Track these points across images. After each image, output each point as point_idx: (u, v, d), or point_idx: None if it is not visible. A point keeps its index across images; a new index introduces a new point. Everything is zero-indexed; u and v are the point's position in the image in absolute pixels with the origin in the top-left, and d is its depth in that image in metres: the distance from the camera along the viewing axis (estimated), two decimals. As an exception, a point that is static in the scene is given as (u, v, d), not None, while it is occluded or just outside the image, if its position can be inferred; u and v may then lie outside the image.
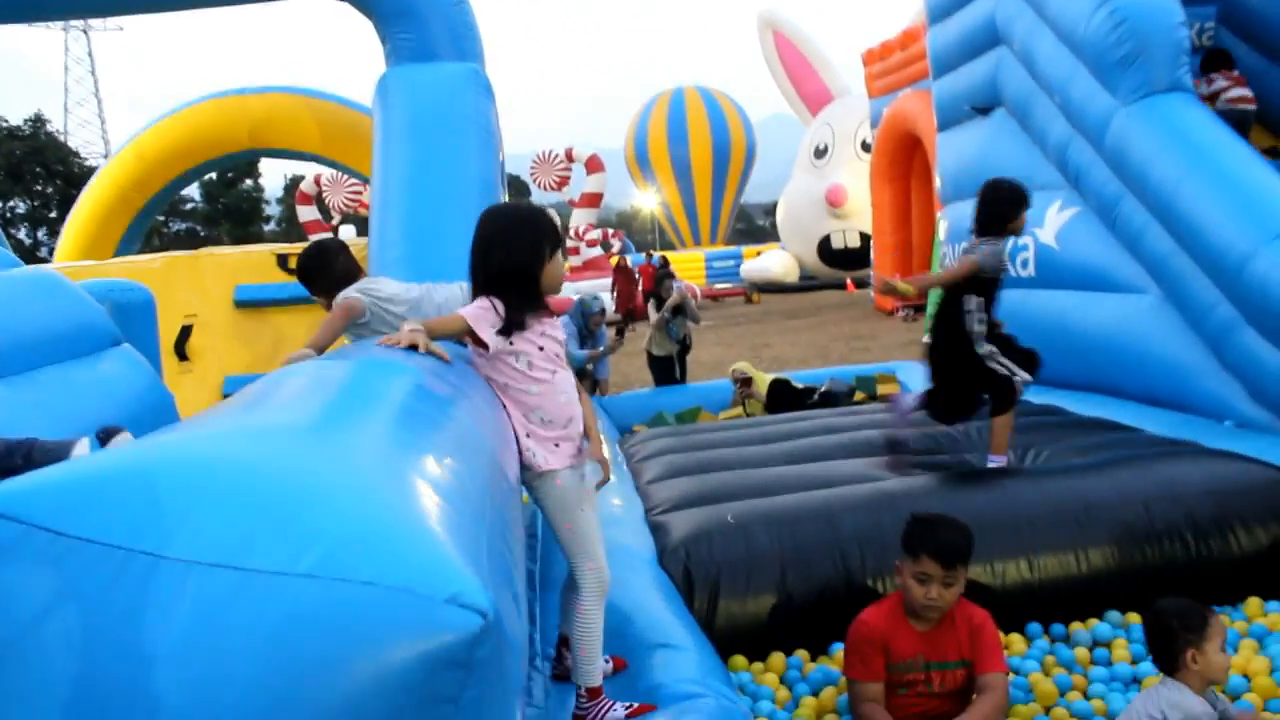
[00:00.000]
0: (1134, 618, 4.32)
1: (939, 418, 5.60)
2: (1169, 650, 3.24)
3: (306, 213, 26.39)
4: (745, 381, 9.31)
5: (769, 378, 9.15)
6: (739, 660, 4.12)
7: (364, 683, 1.37)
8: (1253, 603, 4.44)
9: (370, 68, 7.50)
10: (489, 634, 1.44)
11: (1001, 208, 5.33)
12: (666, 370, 11.10)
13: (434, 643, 1.40)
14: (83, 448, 2.85)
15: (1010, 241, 5.45)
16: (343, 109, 11.73)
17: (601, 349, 10.11)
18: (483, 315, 3.04)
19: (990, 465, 5.26)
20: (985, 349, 5.23)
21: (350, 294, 3.87)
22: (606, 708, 3.16)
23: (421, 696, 1.41)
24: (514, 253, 3.10)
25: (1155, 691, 3.23)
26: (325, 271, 4.08)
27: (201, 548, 1.41)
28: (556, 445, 3.14)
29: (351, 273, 4.07)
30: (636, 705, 3.19)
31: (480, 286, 3.11)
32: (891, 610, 3.64)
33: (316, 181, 25.34)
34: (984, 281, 5.26)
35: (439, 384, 2.64)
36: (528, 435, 3.12)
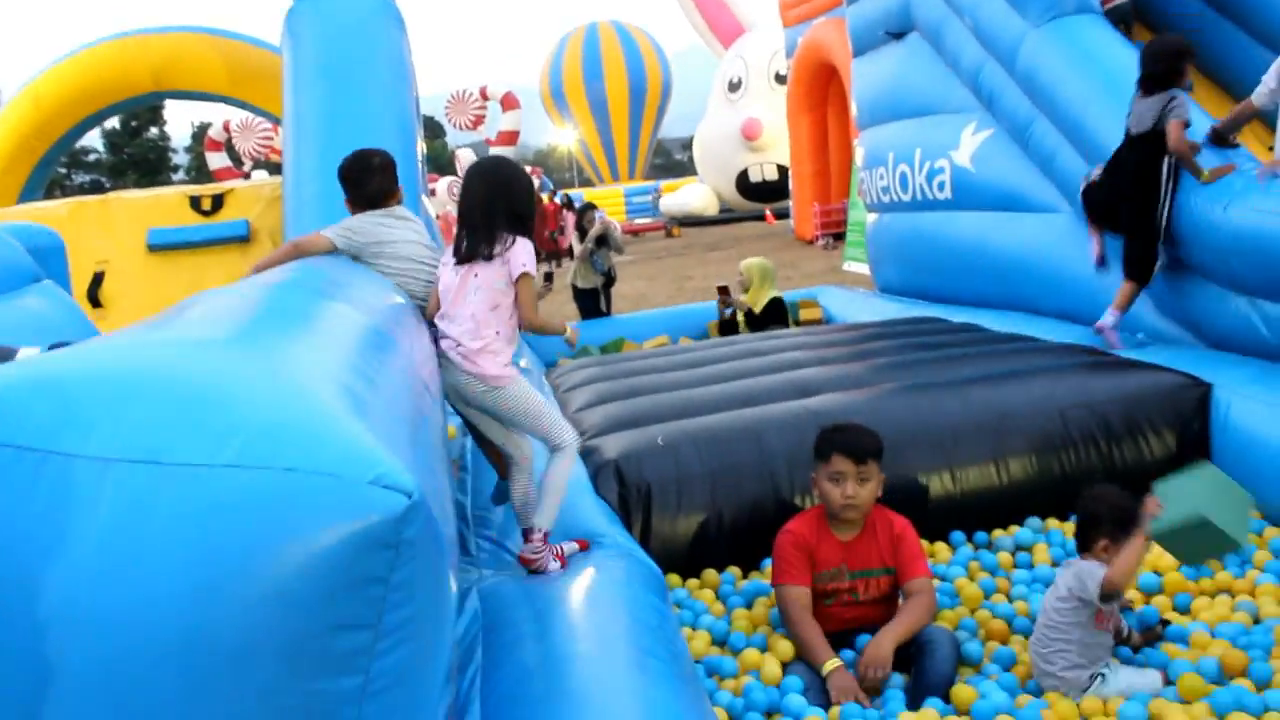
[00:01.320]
0: (1054, 523, 4.49)
1: (1140, 277, 5.62)
2: (1086, 530, 3.36)
3: (216, 160, 25.78)
4: (723, 290, 9.17)
5: (770, 294, 8.78)
6: (674, 578, 4.18)
7: (292, 567, 1.38)
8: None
9: (277, 4, 7.33)
10: (415, 514, 1.46)
11: (1172, 59, 5.39)
12: (591, 303, 11.08)
13: (360, 524, 1.42)
14: (29, 352, 2.83)
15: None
16: (250, 48, 11.46)
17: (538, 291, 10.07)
18: (533, 256, 3.50)
19: (1108, 322, 5.63)
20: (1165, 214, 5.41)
21: (324, 231, 3.90)
22: (556, 550, 3.58)
23: (351, 578, 1.43)
24: (528, 198, 3.60)
25: (1075, 566, 3.33)
26: (357, 186, 4.06)
27: (119, 446, 1.41)
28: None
29: (385, 193, 4.01)
30: (579, 540, 3.71)
31: (502, 224, 3.48)
32: (815, 520, 3.75)
33: (225, 127, 24.71)
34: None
35: (355, 300, 2.70)
36: (508, 343, 3.50)
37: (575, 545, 3.69)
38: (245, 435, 1.43)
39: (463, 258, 3.49)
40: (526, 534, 3.59)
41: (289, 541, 1.39)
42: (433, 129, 47.24)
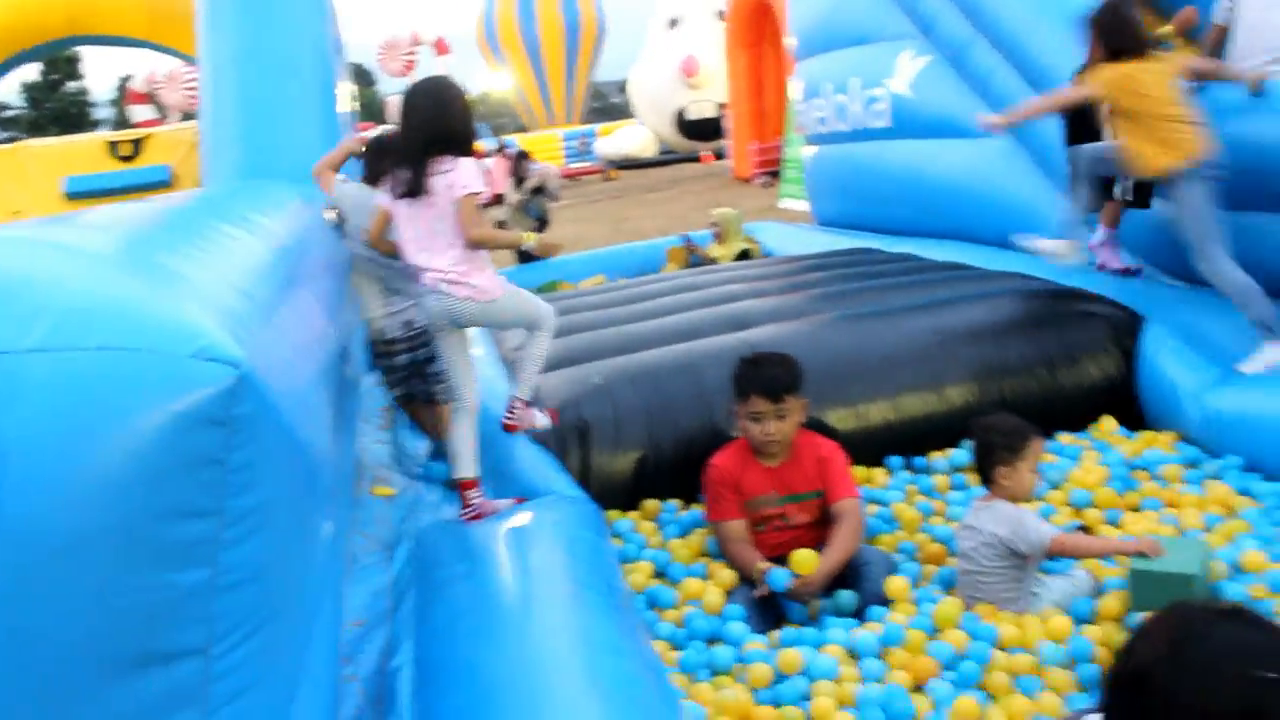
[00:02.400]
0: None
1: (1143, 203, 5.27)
2: (984, 463, 3.35)
3: (141, 112, 25.10)
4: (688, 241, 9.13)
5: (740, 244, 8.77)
6: (614, 514, 4.11)
7: (114, 451, 1.29)
8: (1106, 420, 4.64)
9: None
10: (246, 388, 1.37)
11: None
12: (523, 252, 10.90)
13: (185, 400, 1.32)
14: None
15: None
16: (165, -13, 11.05)
17: None
18: (476, 175, 3.56)
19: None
20: None
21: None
22: (533, 418, 3.94)
23: (181, 459, 1.33)
24: (467, 117, 3.68)
25: (982, 513, 3.31)
26: (368, 166, 4.26)
27: None
28: None
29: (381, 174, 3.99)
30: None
31: (458, 147, 3.56)
32: (739, 451, 3.75)
33: (149, 79, 24.06)
34: None
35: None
36: (489, 254, 3.70)
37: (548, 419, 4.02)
38: (51, 317, 1.32)
39: (408, 193, 3.56)
40: (464, 486, 3.72)
41: (109, 424, 1.29)
42: (365, 77, 46.45)
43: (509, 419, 3.89)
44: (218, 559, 1.38)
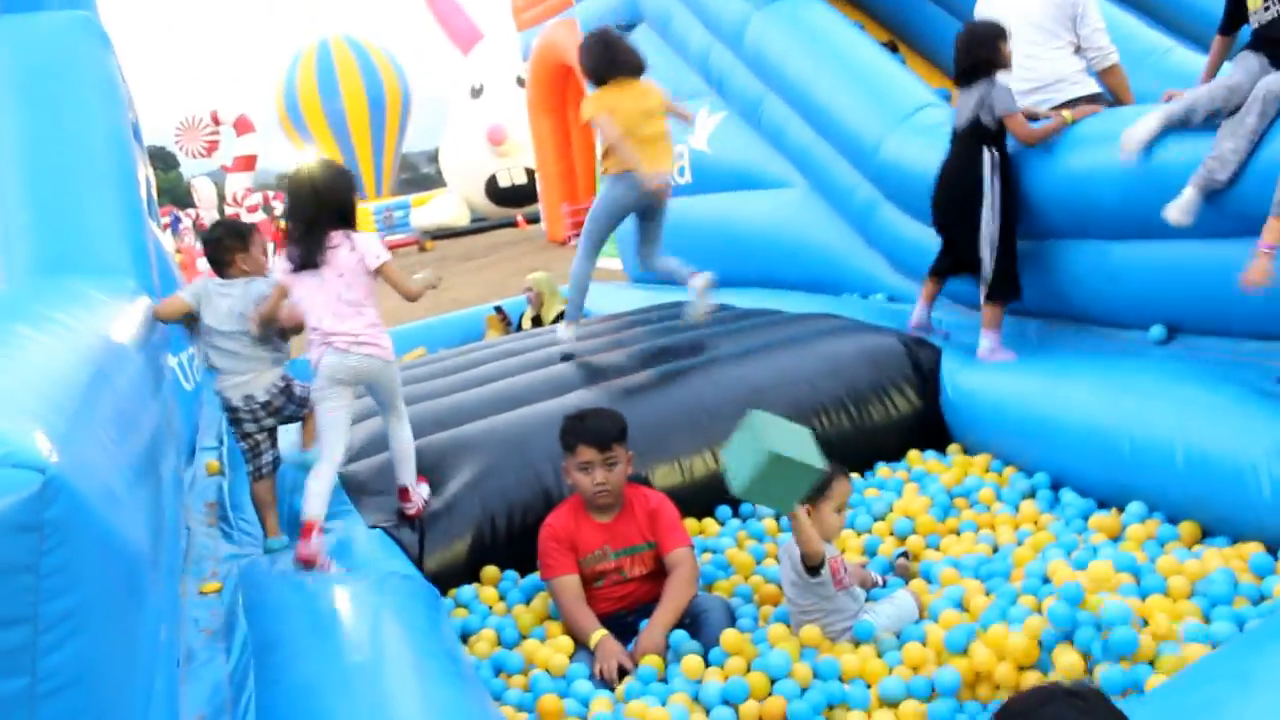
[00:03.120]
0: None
1: (999, 294, 4.90)
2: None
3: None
4: (499, 310, 9.13)
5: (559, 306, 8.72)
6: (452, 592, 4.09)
7: None
8: (912, 454, 4.87)
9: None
10: (54, 492, 1.36)
11: (984, 48, 4.90)
12: None
13: None
14: None
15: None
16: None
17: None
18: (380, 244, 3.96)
19: (986, 347, 4.89)
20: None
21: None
22: (422, 495, 4.20)
23: None
24: (351, 195, 4.04)
25: (786, 546, 3.46)
26: (215, 255, 4.24)
27: None
28: None
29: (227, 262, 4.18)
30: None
31: (347, 223, 3.92)
32: (571, 509, 3.81)
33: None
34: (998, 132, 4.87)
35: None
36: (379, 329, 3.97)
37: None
38: None
39: (303, 266, 3.84)
40: (307, 528, 3.74)
41: None
42: (164, 159, 45.14)
43: (408, 508, 4.14)
44: (36, 666, 1.34)
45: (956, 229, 4.96)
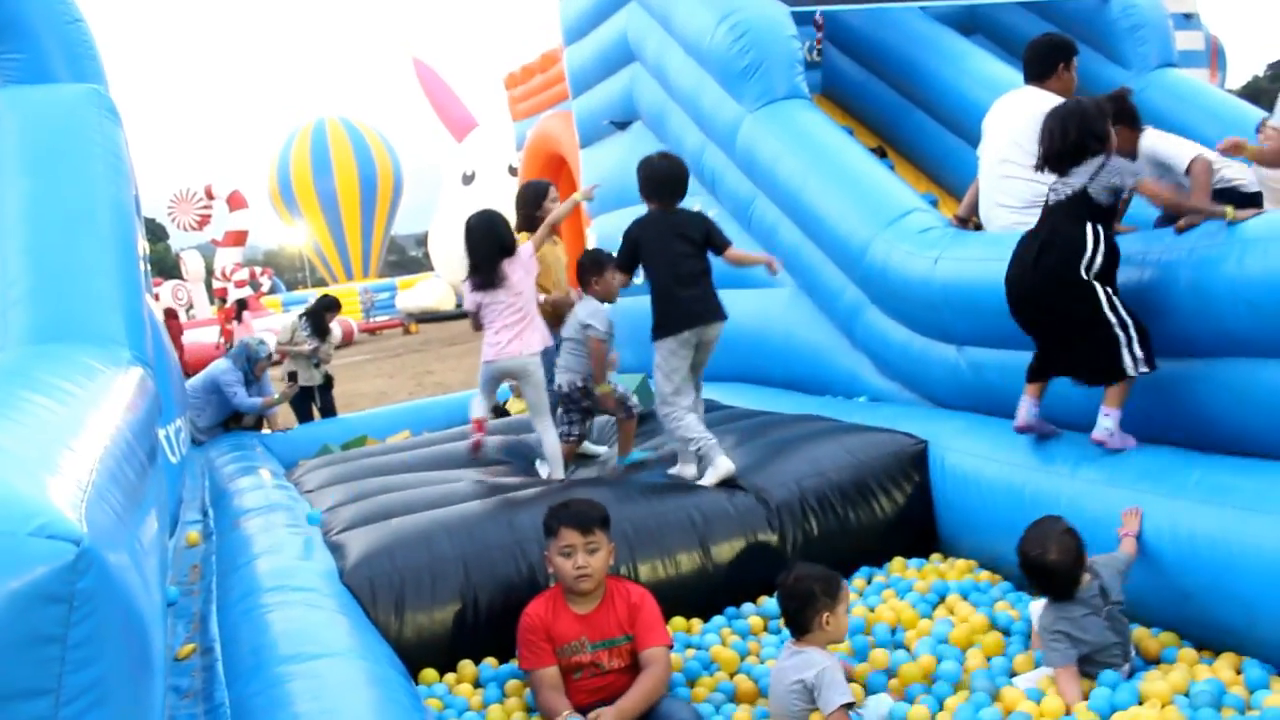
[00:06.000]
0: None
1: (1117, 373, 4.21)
2: (805, 612, 3.50)
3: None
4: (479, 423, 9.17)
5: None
6: (430, 674, 4.10)
7: None
8: (896, 561, 4.89)
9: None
10: (88, 564, 1.37)
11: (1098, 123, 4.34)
12: (306, 402, 10.61)
13: (24, 578, 1.32)
14: None
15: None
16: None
17: (276, 397, 9.78)
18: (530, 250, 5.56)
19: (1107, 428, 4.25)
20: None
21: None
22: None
23: (19, 637, 1.32)
24: (508, 231, 5.49)
25: (795, 657, 3.48)
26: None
27: None
28: None
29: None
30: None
31: (499, 256, 5.34)
32: (551, 598, 3.82)
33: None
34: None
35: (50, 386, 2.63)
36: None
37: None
38: None
39: (482, 286, 5.36)
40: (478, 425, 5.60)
41: None
42: (154, 231, 45.34)
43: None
44: (56, 738, 1.34)
45: (1055, 315, 4.31)
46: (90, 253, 5.58)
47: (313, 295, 23.75)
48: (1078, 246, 4.13)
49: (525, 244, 5.50)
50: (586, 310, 5.69)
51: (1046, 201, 4.36)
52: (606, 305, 5.79)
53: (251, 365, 9.58)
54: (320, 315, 10.60)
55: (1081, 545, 3.57)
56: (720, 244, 5.47)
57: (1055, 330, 4.33)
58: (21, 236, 5.64)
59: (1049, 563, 3.52)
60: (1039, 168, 4.45)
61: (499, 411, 8.84)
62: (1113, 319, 4.08)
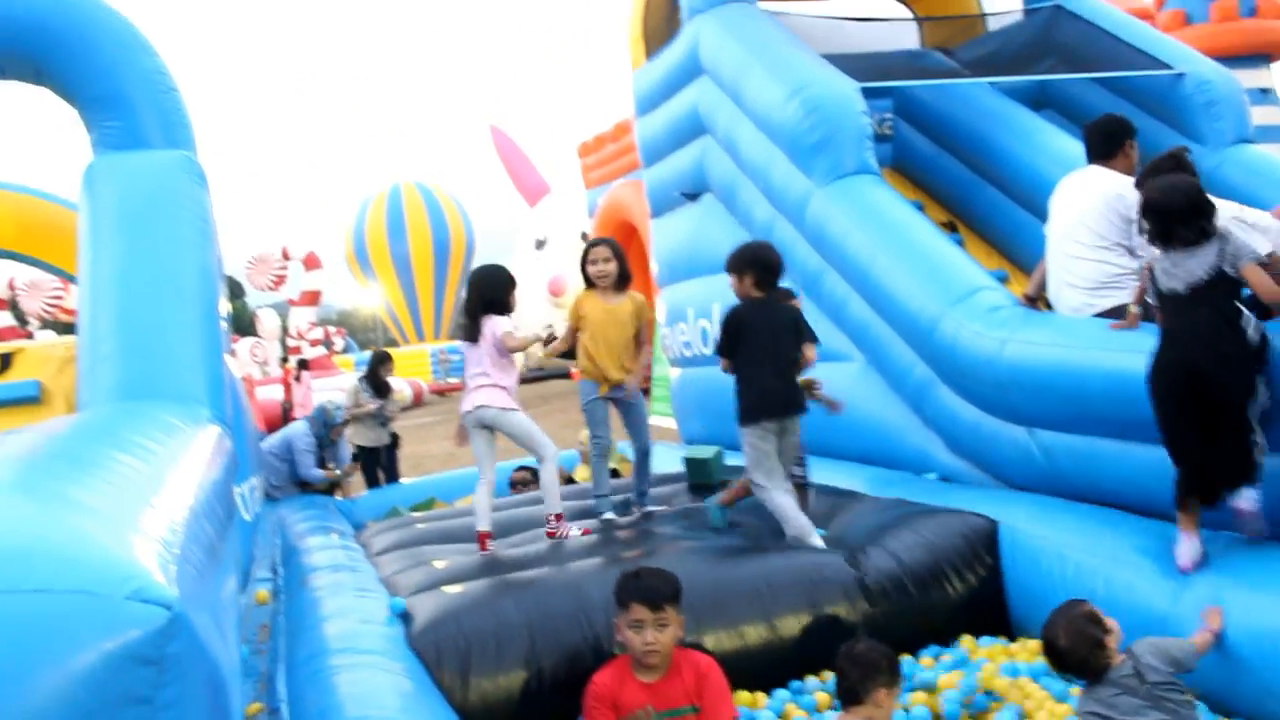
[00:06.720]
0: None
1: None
2: (865, 682, 3.48)
3: None
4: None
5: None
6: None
7: (48, 691, 1.33)
8: (966, 639, 4.83)
9: (72, 159, 7.17)
10: (178, 628, 1.42)
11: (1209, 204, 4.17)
12: (373, 462, 10.68)
13: (119, 641, 1.37)
14: None
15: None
16: (42, 202, 11.07)
17: (338, 472, 9.90)
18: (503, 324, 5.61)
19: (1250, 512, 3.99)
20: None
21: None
22: (569, 526, 5.61)
23: (111, 698, 1.37)
24: (501, 288, 5.81)
25: None
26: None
27: None
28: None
29: None
30: (586, 527, 5.72)
31: (479, 312, 5.68)
32: (619, 668, 3.84)
33: (11, 285, 23.66)
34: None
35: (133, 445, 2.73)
36: (511, 386, 5.66)
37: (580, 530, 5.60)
38: None
39: (465, 337, 5.69)
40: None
41: (43, 665, 1.34)
42: (232, 288, 46.33)
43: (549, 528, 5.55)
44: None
45: (1208, 417, 3.98)
46: (175, 313, 5.76)
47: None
48: (1235, 323, 3.96)
49: (503, 319, 5.63)
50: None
51: (1169, 291, 4.14)
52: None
53: (328, 430, 9.73)
54: (375, 372, 10.67)
55: (1101, 629, 3.54)
56: (809, 337, 5.62)
57: (1207, 417, 4.00)
58: (113, 296, 5.84)
59: (1059, 647, 3.56)
60: (1154, 239, 4.24)
61: (566, 480, 8.91)
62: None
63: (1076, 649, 3.51)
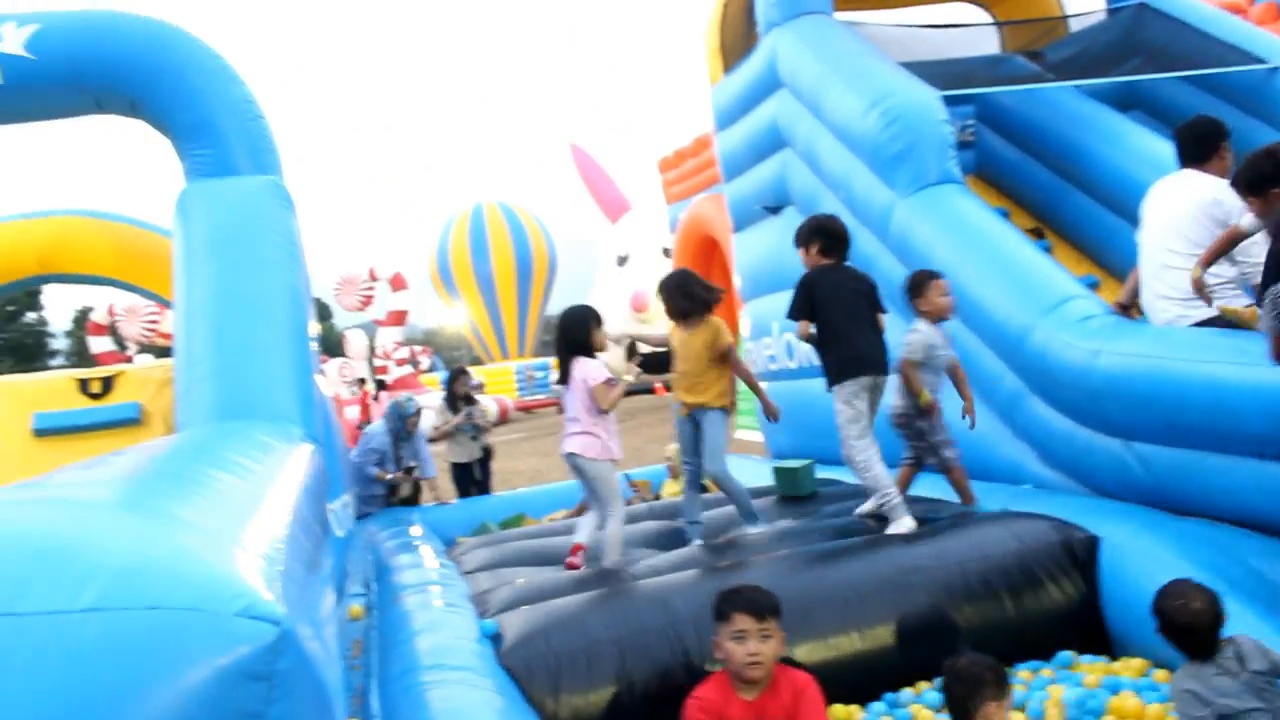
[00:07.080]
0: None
1: None
2: (972, 699, 3.42)
3: (99, 344, 25.30)
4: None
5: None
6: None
7: (162, 707, 1.36)
8: (1063, 656, 4.68)
9: (164, 187, 7.36)
10: (287, 644, 1.45)
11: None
12: (467, 477, 10.66)
13: (230, 657, 1.41)
14: None
15: None
16: (137, 230, 11.40)
17: (389, 476, 9.80)
18: (594, 368, 5.65)
19: None
20: None
21: None
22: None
23: (224, 714, 1.40)
24: (585, 330, 5.77)
25: None
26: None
27: None
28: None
29: None
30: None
31: (567, 353, 5.74)
32: (720, 683, 3.79)
33: (110, 311, 24.33)
34: None
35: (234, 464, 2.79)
36: (598, 436, 5.62)
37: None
38: (104, 579, 1.43)
39: (559, 380, 5.77)
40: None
41: (158, 682, 1.37)
42: (322, 310, 47.18)
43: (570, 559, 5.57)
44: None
45: None
46: (267, 334, 5.89)
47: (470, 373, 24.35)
48: None
49: (592, 363, 5.65)
50: (909, 335, 5.77)
51: None
52: (925, 329, 5.80)
53: (403, 422, 9.78)
54: (450, 391, 10.72)
55: (1222, 606, 3.48)
56: (881, 306, 5.65)
57: None
58: (208, 318, 6.00)
59: (1192, 611, 3.48)
60: None
61: (654, 497, 8.93)
62: None
63: (1207, 614, 3.45)
